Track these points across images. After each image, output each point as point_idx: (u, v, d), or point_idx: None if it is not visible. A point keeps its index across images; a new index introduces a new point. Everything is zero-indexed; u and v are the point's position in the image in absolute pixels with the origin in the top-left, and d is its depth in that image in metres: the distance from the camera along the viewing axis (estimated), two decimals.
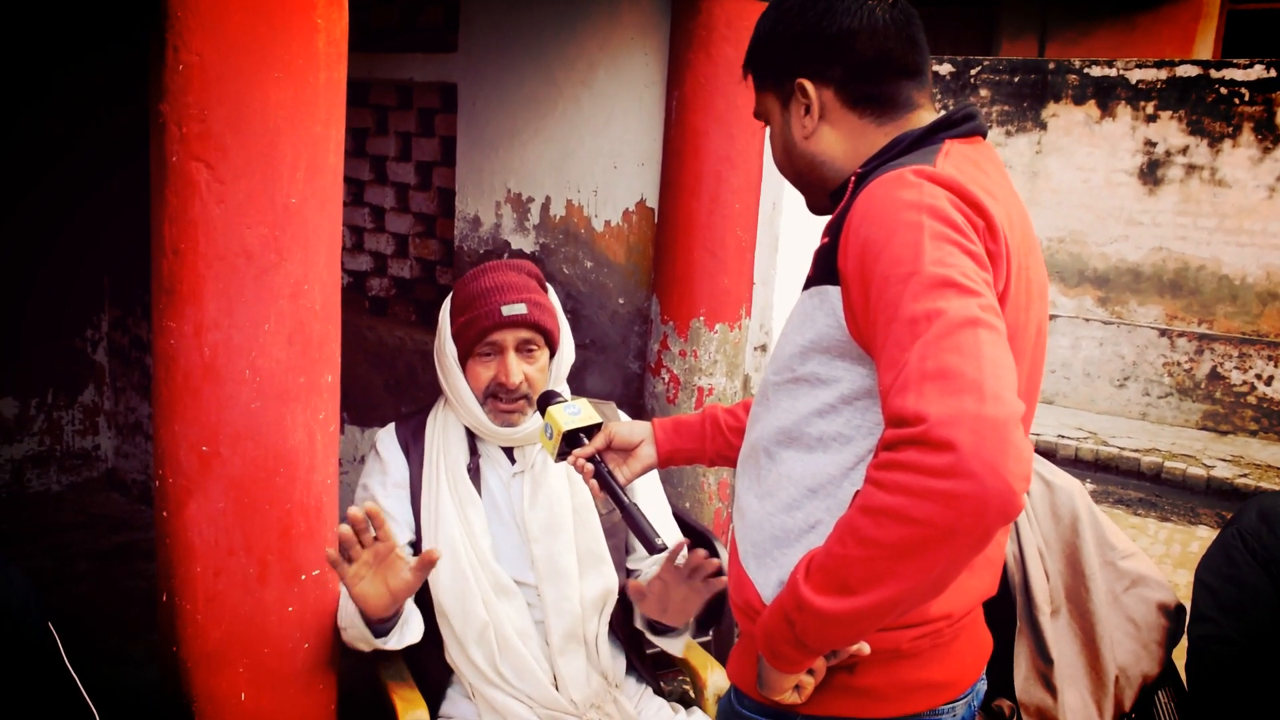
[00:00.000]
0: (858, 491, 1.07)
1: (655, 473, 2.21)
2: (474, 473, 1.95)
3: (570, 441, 1.60)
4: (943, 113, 1.29)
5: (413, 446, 1.98)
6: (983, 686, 1.39)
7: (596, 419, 1.63)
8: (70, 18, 3.91)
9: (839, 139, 1.30)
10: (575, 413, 1.62)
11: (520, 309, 1.89)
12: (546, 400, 1.70)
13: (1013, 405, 0.97)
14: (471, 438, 1.99)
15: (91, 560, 3.73)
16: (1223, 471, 6.29)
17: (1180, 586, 4.20)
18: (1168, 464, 6.40)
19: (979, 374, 0.97)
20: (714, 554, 2.34)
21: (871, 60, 1.26)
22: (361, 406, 3.54)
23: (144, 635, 3.13)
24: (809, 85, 1.29)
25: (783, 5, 1.32)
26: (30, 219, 3.95)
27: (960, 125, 1.26)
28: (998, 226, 1.11)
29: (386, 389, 3.44)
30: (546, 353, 1.97)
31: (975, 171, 1.18)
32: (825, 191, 1.35)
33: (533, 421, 1.94)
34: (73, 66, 3.96)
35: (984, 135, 1.31)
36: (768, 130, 1.41)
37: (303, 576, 1.63)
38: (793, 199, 2.78)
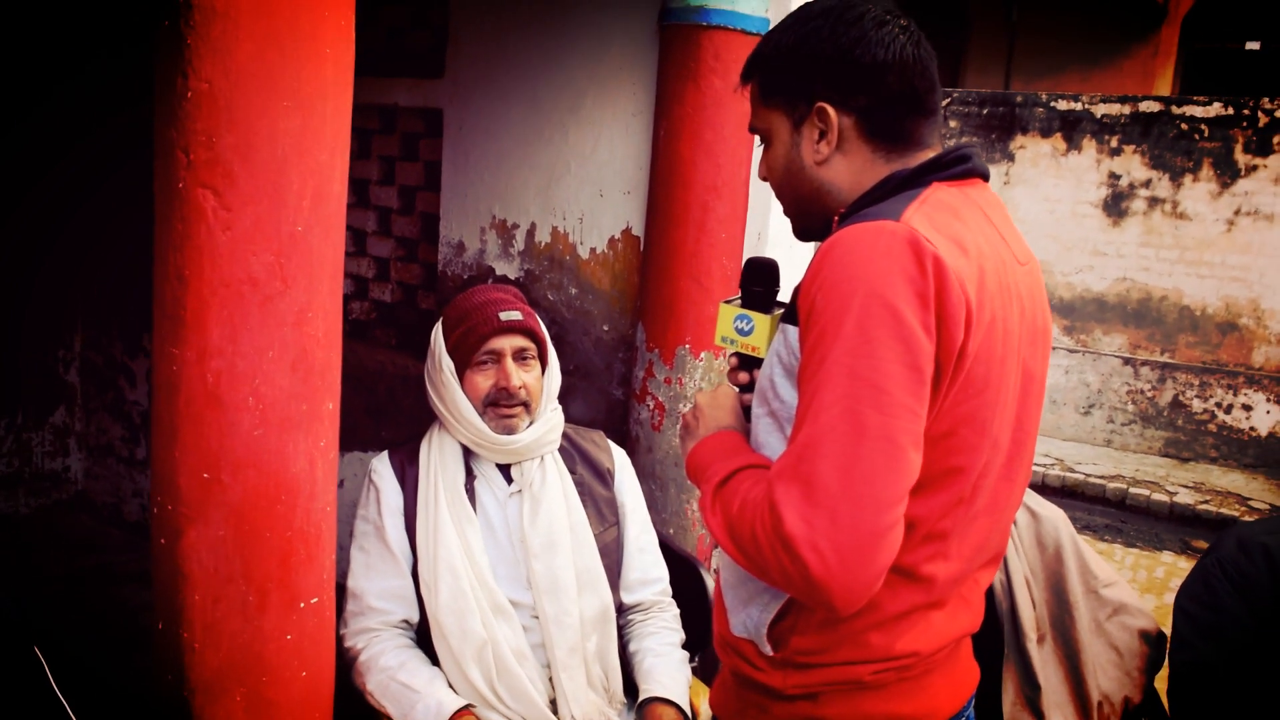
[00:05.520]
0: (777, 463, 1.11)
1: (643, 500, 2.23)
2: (469, 493, 1.97)
3: (749, 362, 1.41)
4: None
5: (408, 471, 2.00)
6: None
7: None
8: (45, 40, 3.88)
9: (849, 169, 1.27)
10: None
11: (516, 315, 1.99)
12: (768, 292, 1.43)
13: (872, 521, 1.03)
14: (466, 460, 2.00)
15: (60, 584, 3.67)
16: (1185, 498, 6.41)
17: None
18: (1132, 490, 6.51)
19: (845, 490, 1.03)
20: (699, 580, 2.37)
21: (897, 95, 1.24)
22: (341, 430, 3.52)
23: (116, 661, 3.08)
24: (831, 111, 1.25)
25: (809, 24, 1.26)
26: (4, 237, 3.90)
27: (950, 168, 1.25)
28: (951, 284, 1.09)
29: (367, 413, 3.43)
30: (540, 365, 2.03)
31: (949, 220, 1.16)
32: (821, 219, 1.32)
33: (530, 433, 1.98)
34: (49, 87, 3.93)
35: (983, 176, 1.30)
36: (762, 146, 1.36)
37: (301, 604, 1.62)
38: (778, 229, 2.81)
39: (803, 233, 1.39)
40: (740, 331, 1.39)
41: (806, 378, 1.10)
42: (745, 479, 1.17)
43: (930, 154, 1.28)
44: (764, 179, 1.38)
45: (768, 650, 1.26)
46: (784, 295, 1.49)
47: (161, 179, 1.49)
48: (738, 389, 1.43)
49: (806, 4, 1.31)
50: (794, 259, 2.81)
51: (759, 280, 1.42)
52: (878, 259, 1.08)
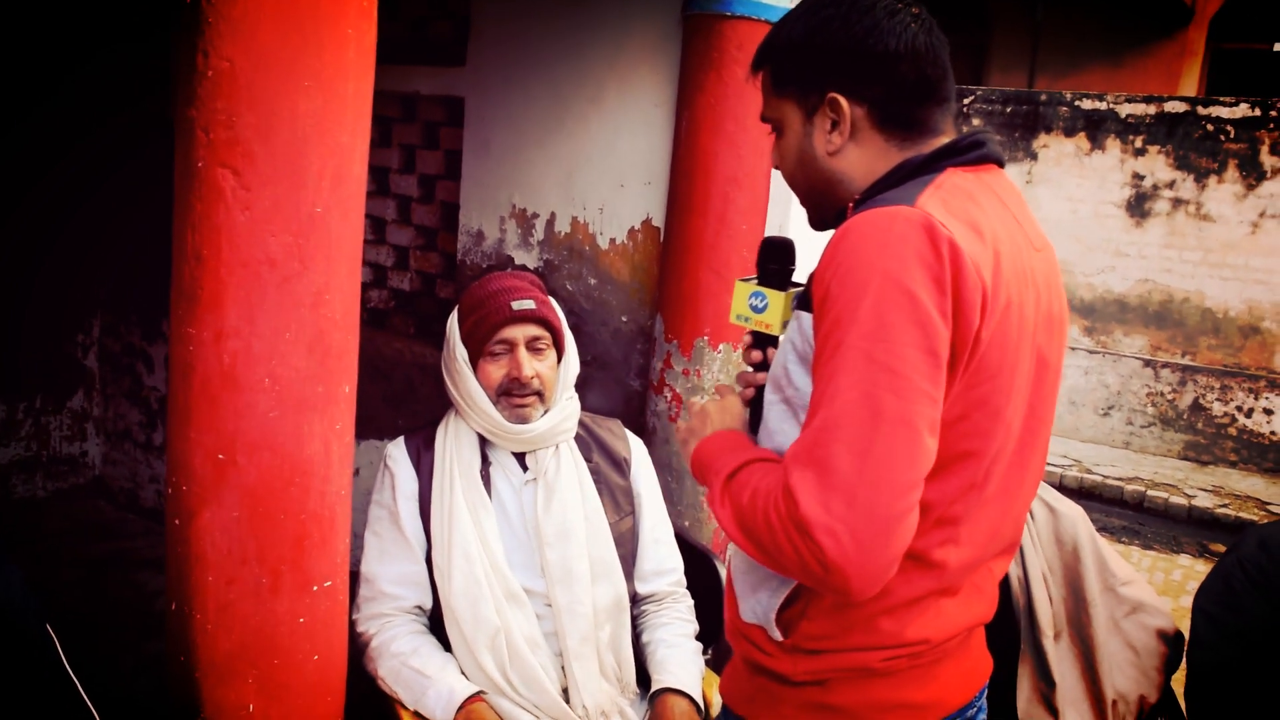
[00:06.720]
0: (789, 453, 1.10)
1: (659, 490, 2.22)
2: (485, 479, 1.97)
3: (763, 340, 1.41)
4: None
5: (423, 456, 1.99)
6: (979, 713, 1.38)
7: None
8: (64, 25, 3.89)
9: (862, 158, 1.27)
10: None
11: (529, 304, 1.97)
12: (783, 270, 1.42)
13: (888, 505, 1.02)
14: (482, 446, 2.00)
15: (78, 568, 3.69)
16: (1203, 501, 6.35)
17: None
18: (1150, 493, 6.45)
19: (861, 474, 1.02)
20: (713, 572, 2.36)
21: (910, 84, 1.23)
22: (357, 418, 3.52)
23: (133, 646, 3.10)
24: (843, 102, 1.24)
25: (820, 14, 1.25)
26: (24, 222, 3.92)
27: (965, 153, 1.24)
28: (967, 269, 1.08)
29: (384, 401, 3.43)
30: (555, 353, 2.01)
31: (965, 204, 1.15)
32: (834, 209, 1.32)
33: (544, 421, 1.97)
34: (70, 72, 3.95)
35: (998, 162, 1.28)
36: (775, 137, 1.35)
37: (314, 588, 1.62)
38: (799, 222, 2.79)
39: (819, 222, 1.39)
40: (754, 309, 1.39)
41: (822, 363, 1.09)
42: (755, 471, 1.17)
43: (944, 140, 1.27)
44: (776, 168, 1.38)
45: (777, 636, 1.26)
46: (800, 277, 1.48)
47: (180, 158, 1.49)
48: (751, 368, 1.43)
49: None
50: (814, 246, 2.79)
51: (774, 258, 1.42)
52: (893, 244, 1.07)
